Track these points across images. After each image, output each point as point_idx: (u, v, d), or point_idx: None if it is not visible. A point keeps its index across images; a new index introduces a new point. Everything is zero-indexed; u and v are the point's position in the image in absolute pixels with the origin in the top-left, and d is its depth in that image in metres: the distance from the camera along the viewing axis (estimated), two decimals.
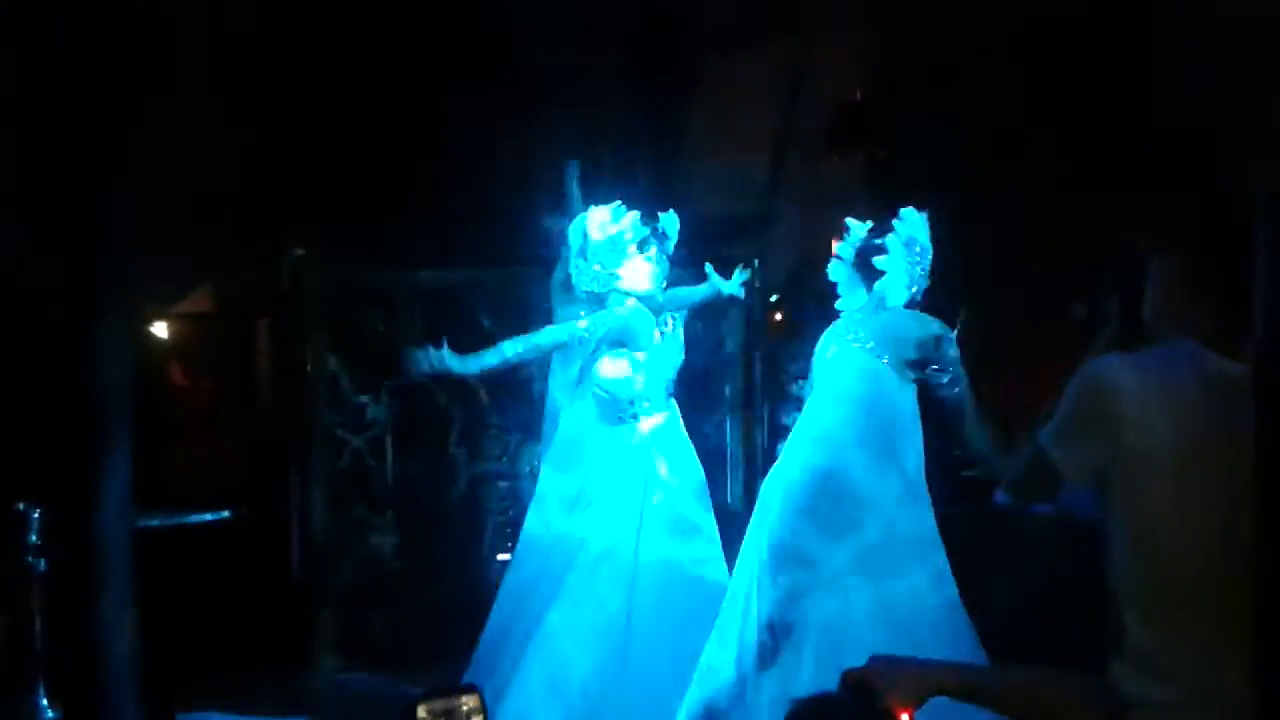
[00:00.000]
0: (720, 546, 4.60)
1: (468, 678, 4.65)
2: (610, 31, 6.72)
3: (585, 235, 4.60)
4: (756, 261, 5.53)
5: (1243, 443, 1.89)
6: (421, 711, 1.99)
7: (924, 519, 4.03)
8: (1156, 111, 5.11)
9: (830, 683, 2.08)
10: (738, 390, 6.40)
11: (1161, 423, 2.11)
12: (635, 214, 4.62)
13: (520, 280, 6.15)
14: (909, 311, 4.23)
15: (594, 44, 6.90)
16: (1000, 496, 5.39)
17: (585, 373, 4.62)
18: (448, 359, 4.38)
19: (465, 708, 2.02)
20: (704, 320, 5.79)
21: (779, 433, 6.05)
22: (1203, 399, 2.12)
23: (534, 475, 5.56)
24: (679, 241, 4.76)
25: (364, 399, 5.98)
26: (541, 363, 5.57)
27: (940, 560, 4.02)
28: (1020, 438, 2.36)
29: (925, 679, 2.02)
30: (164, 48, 5.48)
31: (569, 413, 4.73)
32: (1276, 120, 2.24)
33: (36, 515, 4.87)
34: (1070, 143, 5.87)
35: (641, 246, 4.62)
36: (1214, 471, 2.08)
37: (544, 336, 4.57)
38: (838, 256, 4.30)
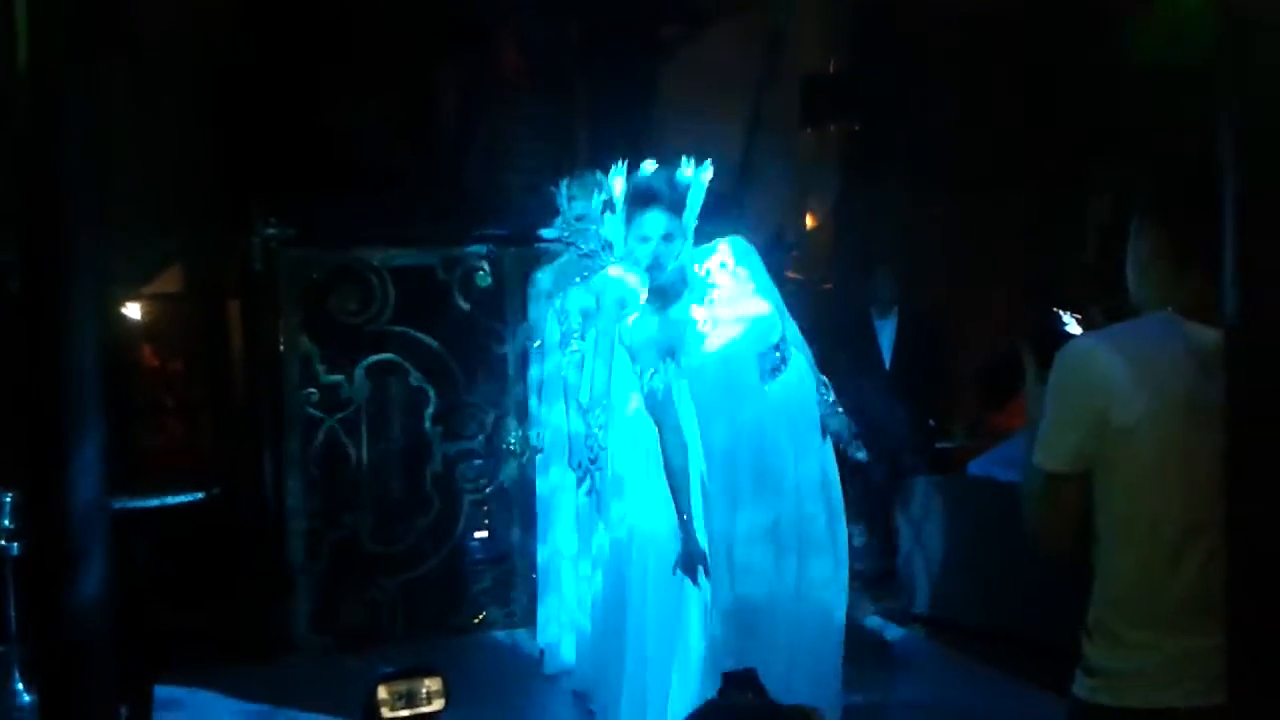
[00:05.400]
0: None
1: None
2: (581, 3, 6.68)
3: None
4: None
5: (1223, 412, 1.87)
6: (382, 692, 1.99)
7: None
8: (1135, 83, 5.12)
9: None
10: None
11: (1144, 397, 2.06)
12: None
13: (497, 260, 6.13)
14: None
15: (564, 17, 6.87)
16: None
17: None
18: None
19: (426, 690, 2.02)
20: None
21: None
22: (1183, 370, 2.07)
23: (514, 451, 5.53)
24: None
25: (337, 378, 5.94)
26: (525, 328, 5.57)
27: None
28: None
29: None
30: (132, 27, 5.43)
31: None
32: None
33: (8, 499, 4.84)
34: (1044, 115, 5.87)
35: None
36: (1193, 442, 2.04)
37: None
38: None
